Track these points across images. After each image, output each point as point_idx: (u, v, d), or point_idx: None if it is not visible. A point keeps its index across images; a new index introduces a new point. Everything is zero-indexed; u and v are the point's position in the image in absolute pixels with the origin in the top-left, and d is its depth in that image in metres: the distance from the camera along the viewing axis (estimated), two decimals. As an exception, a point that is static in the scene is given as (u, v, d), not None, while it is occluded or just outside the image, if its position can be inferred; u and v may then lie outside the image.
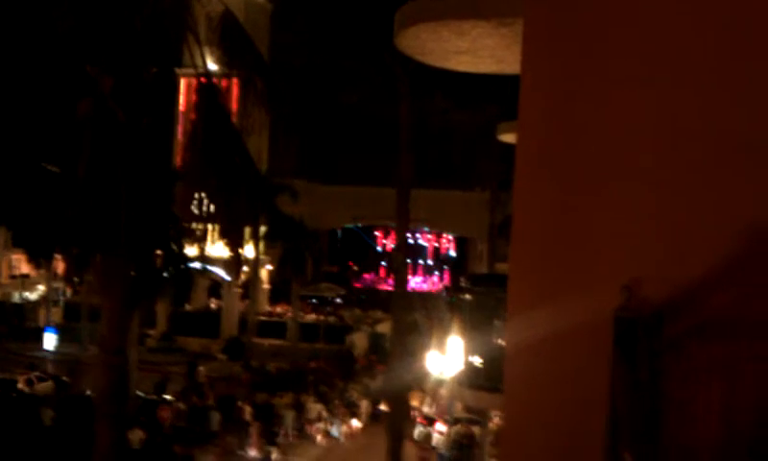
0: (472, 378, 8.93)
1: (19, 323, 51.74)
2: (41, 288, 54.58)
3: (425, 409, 32.53)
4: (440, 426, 28.89)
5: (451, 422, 27.80)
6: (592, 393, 4.06)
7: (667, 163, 4.13)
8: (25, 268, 55.92)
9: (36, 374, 34.14)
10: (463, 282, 12.19)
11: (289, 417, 31.04)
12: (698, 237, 4.01)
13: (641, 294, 3.84)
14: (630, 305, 3.83)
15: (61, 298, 54.46)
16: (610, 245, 4.27)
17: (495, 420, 20.60)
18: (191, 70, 13.58)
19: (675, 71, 4.17)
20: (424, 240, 77.60)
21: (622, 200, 4.26)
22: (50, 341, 45.66)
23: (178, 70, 32.84)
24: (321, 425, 31.34)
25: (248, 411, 30.95)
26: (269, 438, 28.78)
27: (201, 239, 13.86)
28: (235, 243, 13.38)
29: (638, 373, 3.81)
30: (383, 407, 31.39)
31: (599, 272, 4.25)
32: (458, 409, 26.52)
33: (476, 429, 25.59)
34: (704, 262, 3.92)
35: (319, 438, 31.05)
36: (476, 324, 9.72)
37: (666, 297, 3.86)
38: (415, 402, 33.30)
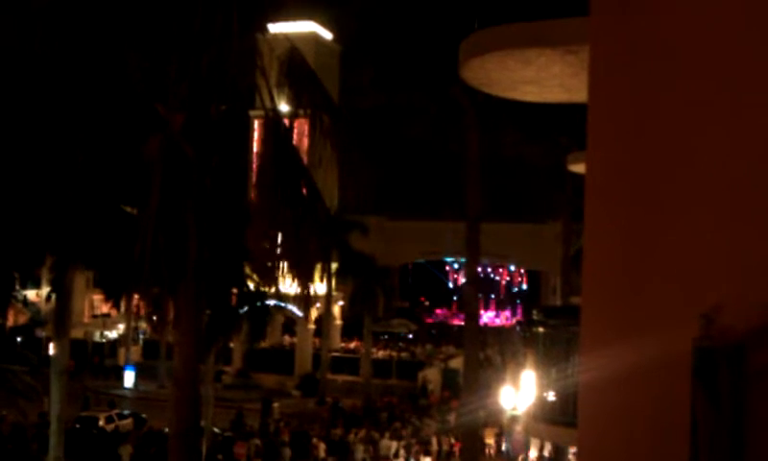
0: (547, 413, 8.73)
1: (100, 361, 53.07)
2: (121, 327, 55.92)
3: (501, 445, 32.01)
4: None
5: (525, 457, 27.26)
6: (672, 427, 3.90)
7: (745, 187, 3.97)
8: (106, 307, 57.46)
9: (116, 411, 34.89)
10: (535, 315, 11.96)
11: (363, 453, 30.91)
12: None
13: (722, 323, 3.67)
14: (710, 335, 3.66)
15: (141, 336, 55.66)
16: (687, 273, 4.11)
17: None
18: (262, 112, 13.79)
19: (747, 93, 4.03)
20: (497, 275, 76.99)
21: (698, 226, 4.11)
22: (129, 379, 46.63)
23: (252, 112, 33.58)
24: (394, 462, 31.07)
25: (322, 447, 30.98)
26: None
27: (273, 276, 13.92)
28: (305, 279, 13.44)
29: (720, 406, 3.65)
30: (456, 443, 31.02)
31: (676, 301, 4.10)
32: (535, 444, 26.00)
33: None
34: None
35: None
36: (550, 357, 9.52)
37: (748, 325, 3.69)
38: (489, 439, 32.81)
